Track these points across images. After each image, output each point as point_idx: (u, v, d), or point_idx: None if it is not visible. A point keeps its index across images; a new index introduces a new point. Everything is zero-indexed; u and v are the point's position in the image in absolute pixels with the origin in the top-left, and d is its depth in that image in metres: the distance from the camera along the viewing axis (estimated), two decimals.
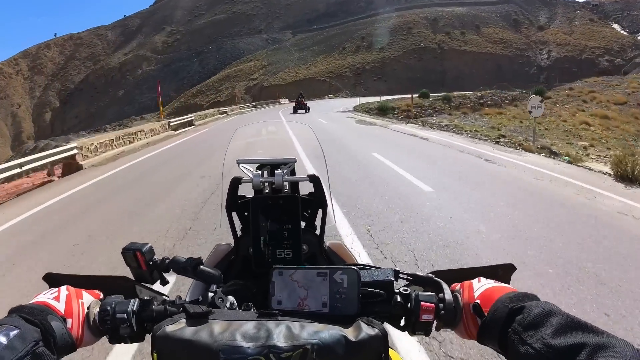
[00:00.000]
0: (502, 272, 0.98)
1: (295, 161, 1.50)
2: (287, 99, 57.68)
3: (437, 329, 0.86)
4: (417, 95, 37.64)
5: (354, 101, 42.66)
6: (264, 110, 43.99)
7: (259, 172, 1.48)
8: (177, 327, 0.74)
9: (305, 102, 35.83)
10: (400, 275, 0.94)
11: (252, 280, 1.24)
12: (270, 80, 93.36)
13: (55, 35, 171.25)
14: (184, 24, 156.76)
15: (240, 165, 1.50)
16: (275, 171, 1.47)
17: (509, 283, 0.92)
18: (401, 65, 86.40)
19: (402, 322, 0.88)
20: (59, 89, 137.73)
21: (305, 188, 1.48)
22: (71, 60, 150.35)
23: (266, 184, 1.46)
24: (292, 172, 1.53)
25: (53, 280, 0.94)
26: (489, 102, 39.32)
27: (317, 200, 1.46)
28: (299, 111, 34.53)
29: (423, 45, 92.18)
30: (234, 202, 1.45)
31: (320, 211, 1.46)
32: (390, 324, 0.89)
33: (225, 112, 37.84)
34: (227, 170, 1.54)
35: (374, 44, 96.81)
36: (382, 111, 30.07)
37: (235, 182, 1.45)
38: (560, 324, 0.65)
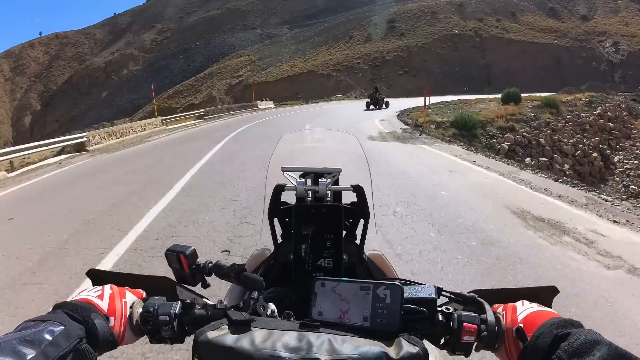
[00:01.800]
0: (544, 295, 0.96)
1: (340, 170, 1.50)
2: (272, 102, 42.92)
3: (477, 349, 0.86)
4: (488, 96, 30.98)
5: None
6: (205, 130, 23.32)
7: (303, 180, 1.47)
8: (219, 333, 0.75)
9: (381, 96, 30.74)
10: (443, 292, 0.93)
11: (291, 287, 1.22)
12: (257, 77, 77.79)
13: (40, 34, 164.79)
14: (175, 21, 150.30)
15: (285, 172, 1.51)
16: (319, 180, 1.46)
17: (550, 306, 0.92)
18: (432, 55, 69.30)
19: (442, 341, 0.88)
20: (41, 91, 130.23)
21: (347, 197, 1.47)
22: (56, 60, 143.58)
23: (309, 192, 1.45)
24: (336, 182, 1.53)
25: (96, 276, 0.98)
26: (608, 114, 26.94)
27: (360, 210, 1.43)
28: (372, 107, 29.31)
29: (456, 31, 76.35)
30: (276, 208, 1.44)
31: (361, 221, 1.43)
32: (430, 342, 0.88)
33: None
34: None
35: (375, 32, 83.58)
36: (465, 128, 17.50)
37: (279, 188, 1.44)
38: (607, 354, 0.63)
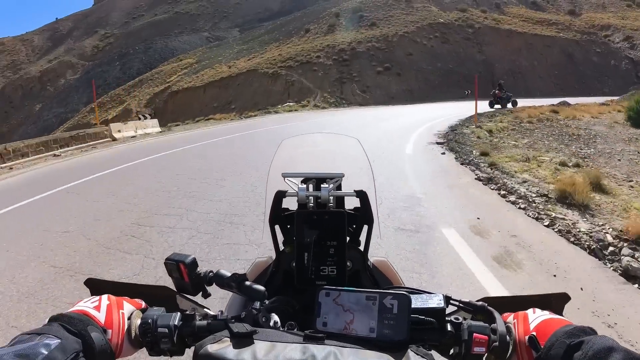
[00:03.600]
0: (555, 302, 0.95)
1: (343, 175, 1.46)
2: (157, 122, 23.86)
3: None
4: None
5: (349, 122, 22.68)
6: None
7: (304, 185, 1.44)
8: (220, 346, 0.73)
9: (505, 92, 28.76)
10: (451, 301, 0.91)
11: (294, 296, 1.21)
12: (185, 83, 60.55)
13: None
14: (120, 26, 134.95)
15: (286, 178, 1.46)
16: (322, 185, 1.41)
17: (561, 313, 0.91)
18: (418, 48, 52.58)
19: (452, 352, 0.86)
20: None
21: (350, 203, 1.45)
22: None
23: (311, 197, 1.41)
24: (339, 187, 1.48)
25: (94, 286, 0.97)
26: None
27: (363, 215, 1.41)
28: (496, 106, 28.43)
29: (442, 20, 61.09)
30: (277, 215, 1.41)
31: (365, 227, 1.42)
32: (439, 353, 0.87)
33: None
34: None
35: (338, 23, 64.57)
36: None
37: (280, 195, 1.41)
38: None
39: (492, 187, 8.08)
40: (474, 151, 12.07)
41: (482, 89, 46.55)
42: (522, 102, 29.29)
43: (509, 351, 0.78)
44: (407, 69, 45.88)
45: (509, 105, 28.20)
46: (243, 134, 17.73)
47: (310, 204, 1.39)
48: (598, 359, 0.61)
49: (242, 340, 0.73)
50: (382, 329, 0.77)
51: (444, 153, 11.93)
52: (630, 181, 8.39)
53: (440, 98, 39.14)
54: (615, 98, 33.62)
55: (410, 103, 35.42)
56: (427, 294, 0.89)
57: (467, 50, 55.00)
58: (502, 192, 7.59)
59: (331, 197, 1.38)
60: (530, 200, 7.00)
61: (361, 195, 1.38)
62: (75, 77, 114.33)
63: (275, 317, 0.90)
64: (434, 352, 0.79)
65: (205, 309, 0.96)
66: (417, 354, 0.72)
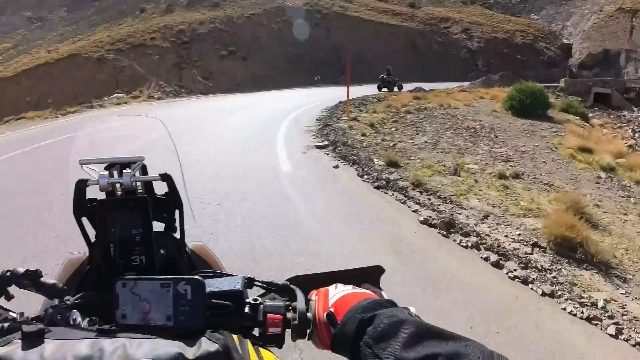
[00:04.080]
0: (371, 274, 0.95)
1: (143, 159, 1.38)
2: None
3: (293, 339, 0.83)
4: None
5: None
6: None
7: (106, 172, 1.32)
8: (9, 348, 0.69)
9: (392, 77, 30.61)
10: (255, 282, 0.93)
11: (106, 292, 1.07)
12: None
13: None
14: None
15: (84, 166, 1.33)
16: (124, 171, 1.32)
17: (379, 285, 0.93)
18: (265, 31, 49.06)
19: (255, 333, 0.86)
20: None
21: (162, 187, 1.40)
22: None
23: (117, 185, 1.32)
24: (144, 171, 1.40)
25: None
26: None
27: (172, 200, 1.36)
28: (384, 89, 30.06)
29: (290, 4, 56.85)
30: (82, 206, 1.32)
31: (177, 212, 1.38)
32: (243, 336, 0.87)
33: None
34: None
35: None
36: None
37: (81, 184, 1.30)
38: (411, 333, 0.62)
39: (464, 244, 5.29)
40: (374, 159, 9.38)
41: (331, 74, 45.54)
42: (371, 88, 29.11)
43: (310, 328, 0.78)
44: (254, 53, 43.18)
45: (396, 89, 29.69)
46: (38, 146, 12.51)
47: (118, 192, 1.30)
48: (389, 333, 0.61)
49: (32, 341, 0.68)
50: (178, 317, 0.76)
51: (337, 166, 8.86)
52: (599, 202, 7.47)
53: (289, 84, 37.41)
54: (465, 84, 35.39)
55: (258, 90, 33.00)
56: (228, 277, 0.88)
57: (316, 35, 53.66)
58: (492, 258, 4.87)
59: (138, 183, 1.31)
60: (531, 265, 4.78)
61: (166, 178, 1.32)
62: None
63: (75, 314, 0.86)
64: (240, 337, 0.83)
65: (10, 312, 0.89)
66: (210, 339, 0.71)
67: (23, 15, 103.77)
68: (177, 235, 1.37)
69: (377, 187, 7.51)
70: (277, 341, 0.80)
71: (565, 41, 76.85)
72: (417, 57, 60.10)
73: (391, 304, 0.71)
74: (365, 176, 8.19)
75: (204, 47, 40.42)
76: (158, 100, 29.56)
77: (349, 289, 0.80)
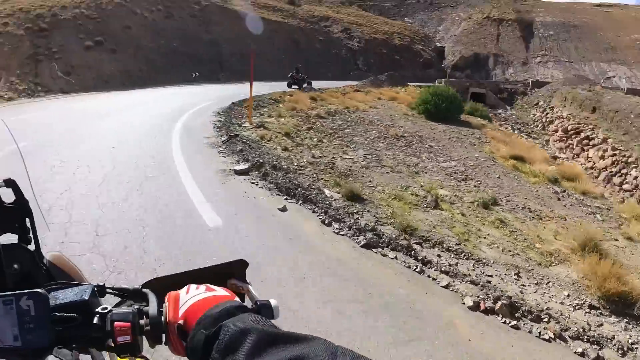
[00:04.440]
0: (236, 269, 0.94)
1: None
2: None
3: (151, 346, 0.81)
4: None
5: None
6: None
7: None
8: None
9: (303, 76, 31.86)
10: (107, 290, 0.88)
11: None
12: None
13: None
14: None
15: None
16: None
17: (245, 280, 0.93)
18: (138, 21, 44.79)
19: (110, 344, 0.82)
20: None
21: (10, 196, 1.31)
22: None
23: None
24: None
25: None
26: None
27: (21, 208, 1.25)
28: (294, 86, 30.75)
29: None
30: None
31: (28, 220, 1.27)
32: (97, 349, 0.84)
33: None
34: None
35: None
36: None
37: None
38: (255, 342, 0.61)
39: (544, 336, 4.04)
40: (325, 190, 7.40)
41: (209, 71, 43.93)
42: (258, 86, 27.09)
43: (164, 336, 0.76)
44: (125, 45, 39.20)
45: (305, 86, 30.66)
46: None
47: None
48: (233, 345, 0.61)
49: None
50: (25, 335, 0.71)
51: (284, 208, 6.53)
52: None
53: (165, 81, 34.98)
54: (352, 83, 36.83)
55: (131, 88, 30.45)
56: (76, 287, 0.83)
57: (194, 28, 50.82)
58: (590, 353, 3.92)
59: None
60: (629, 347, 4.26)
61: (11, 184, 1.20)
62: None
63: None
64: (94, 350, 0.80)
65: None
66: (57, 357, 0.68)
67: None
68: (31, 247, 1.25)
69: (367, 246, 5.52)
70: (132, 350, 0.76)
71: (438, 44, 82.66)
72: (299, 54, 59.32)
73: (242, 309, 0.70)
74: (335, 224, 6.08)
75: (65, 36, 35.64)
76: (8, 101, 24.64)
77: (201, 292, 0.77)
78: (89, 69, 33.08)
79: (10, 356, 0.69)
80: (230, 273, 0.88)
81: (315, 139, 12.40)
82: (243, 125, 13.61)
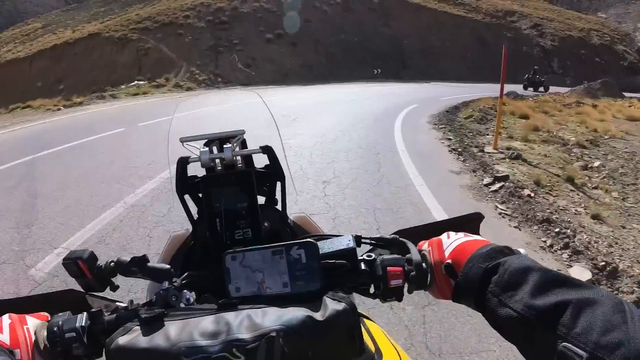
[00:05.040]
0: (469, 223, 0.94)
1: (244, 132, 1.39)
2: None
3: (409, 291, 0.83)
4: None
5: None
6: None
7: (207, 148, 1.33)
8: (130, 336, 0.68)
9: (538, 77, 30.97)
10: (363, 240, 0.91)
11: (213, 267, 1.09)
12: (12, 53, 42.13)
13: None
14: None
15: (185, 143, 1.35)
16: (224, 145, 1.31)
17: (478, 233, 0.89)
18: (317, 15, 39.61)
19: (372, 290, 0.86)
20: None
21: (262, 160, 1.39)
22: None
23: (217, 160, 1.32)
24: (243, 145, 1.45)
25: None
26: None
27: (274, 172, 1.36)
28: (529, 89, 30.26)
29: None
30: (184, 184, 1.34)
31: (279, 184, 1.37)
32: (359, 294, 0.87)
33: None
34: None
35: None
36: None
37: (183, 162, 1.32)
38: (540, 280, 0.61)
39: None
40: None
41: (391, 68, 38.61)
42: (448, 88, 22.65)
43: (428, 279, 0.78)
44: (305, 38, 36.17)
45: (541, 89, 29.51)
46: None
47: (218, 167, 1.32)
48: (516, 281, 0.61)
49: (152, 326, 0.68)
50: (295, 282, 0.76)
51: None
52: None
53: (346, 77, 31.29)
54: (562, 90, 31.65)
55: (311, 83, 26.83)
56: (336, 237, 0.87)
57: (373, 22, 46.12)
58: None
59: (238, 157, 1.32)
60: None
61: (267, 150, 1.32)
62: None
63: (187, 294, 0.85)
64: (355, 295, 0.80)
65: (117, 303, 0.90)
66: (334, 299, 0.70)
67: None
68: (278, 207, 1.35)
69: None
70: (398, 294, 0.79)
71: None
72: (486, 53, 50.73)
73: (510, 250, 0.69)
74: None
75: (246, 29, 33.59)
76: (187, 90, 23.38)
77: (461, 236, 0.78)
78: (268, 61, 30.43)
79: (277, 302, 0.70)
80: (463, 226, 0.86)
81: (615, 194, 7.43)
82: (486, 151, 9.31)
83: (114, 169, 7.28)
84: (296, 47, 34.11)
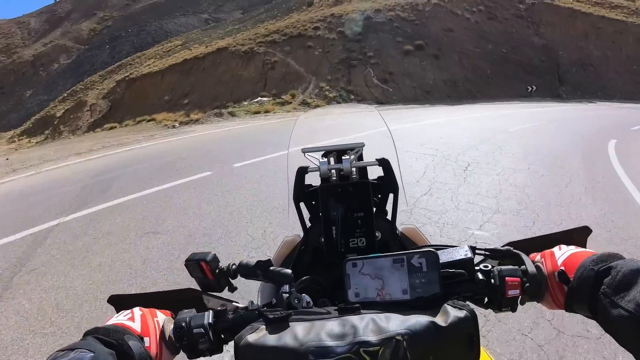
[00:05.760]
0: (577, 236, 0.97)
1: (364, 145, 1.45)
2: None
3: (522, 303, 0.86)
4: None
5: None
6: None
7: (325, 159, 1.42)
8: (258, 335, 0.73)
9: None
10: (477, 250, 0.93)
11: (323, 272, 1.19)
12: (149, 67, 42.88)
13: None
14: (120, 9, 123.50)
15: (306, 154, 1.47)
16: (343, 157, 1.41)
17: (585, 246, 0.93)
18: (459, 23, 35.19)
19: (485, 300, 0.88)
20: None
21: (373, 173, 1.43)
22: None
23: (334, 171, 1.41)
24: (360, 157, 1.49)
25: (118, 302, 0.96)
26: None
27: (388, 184, 1.40)
28: None
29: None
30: (301, 192, 1.41)
31: (391, 195, 1.42)
32: (474, 304, 0.87)
33: None
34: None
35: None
36: None
37: (302, 171, 1.41)
38: None
39: None
40: None
41: (546, 84, 32.60)
42: (617, 110, 18.51)
43: (542, 289, 0.79)
44: (448, 50, 31.93)
45: None
46: None
47: (334, 178, 1.39)
48: (628, 282, 0.62)
49: (278, 326, 0.73)
50: (415, 289, 0.78)
51: None
52: None
53: (497, 95, 27.23)
54: None
55: (457, 102, 23.45)
56: (452, 248, 0.89)
57: (521, 30, 40.82)
58: None
59: (354, 169, 1.38)
60: None
61: (383, 163, 1.36)
62: (68, 61, 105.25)
63: (307, 298, 0.89)
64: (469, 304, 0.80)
65: (234, 303, 0.95)
66: (455, 307, 0.72)
67: (201, 17, 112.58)
68: (388, 217, 1.40)
69: None
70: (513, 305, 0.81)
71: None
72: None
73: (620, 256, 0.69)
74: None
75: (381, 40, 30.28)
76: (316, 108, 19.98)
77: (572, 248, 0.80)
78: (407, 76, 26.79)
79: (397, 308, 0.73)
80: (570, 240, 0.87)
81: None
82: None
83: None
84: (439, 60, 30.06)
